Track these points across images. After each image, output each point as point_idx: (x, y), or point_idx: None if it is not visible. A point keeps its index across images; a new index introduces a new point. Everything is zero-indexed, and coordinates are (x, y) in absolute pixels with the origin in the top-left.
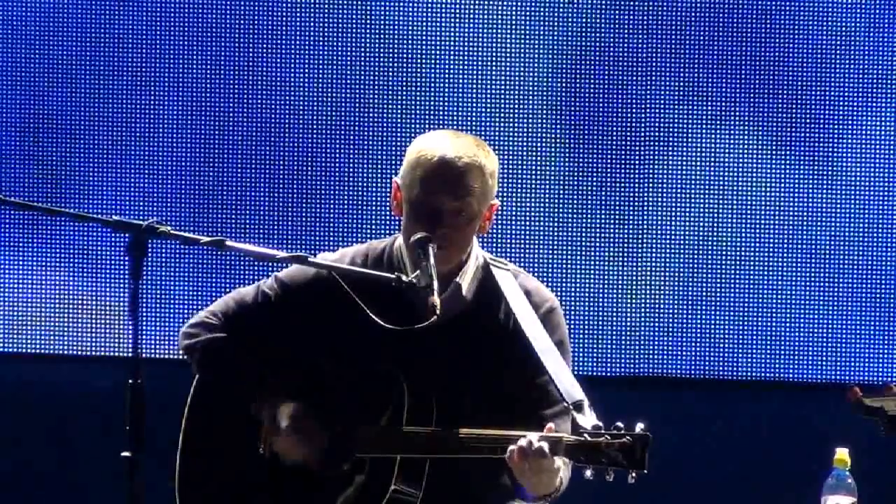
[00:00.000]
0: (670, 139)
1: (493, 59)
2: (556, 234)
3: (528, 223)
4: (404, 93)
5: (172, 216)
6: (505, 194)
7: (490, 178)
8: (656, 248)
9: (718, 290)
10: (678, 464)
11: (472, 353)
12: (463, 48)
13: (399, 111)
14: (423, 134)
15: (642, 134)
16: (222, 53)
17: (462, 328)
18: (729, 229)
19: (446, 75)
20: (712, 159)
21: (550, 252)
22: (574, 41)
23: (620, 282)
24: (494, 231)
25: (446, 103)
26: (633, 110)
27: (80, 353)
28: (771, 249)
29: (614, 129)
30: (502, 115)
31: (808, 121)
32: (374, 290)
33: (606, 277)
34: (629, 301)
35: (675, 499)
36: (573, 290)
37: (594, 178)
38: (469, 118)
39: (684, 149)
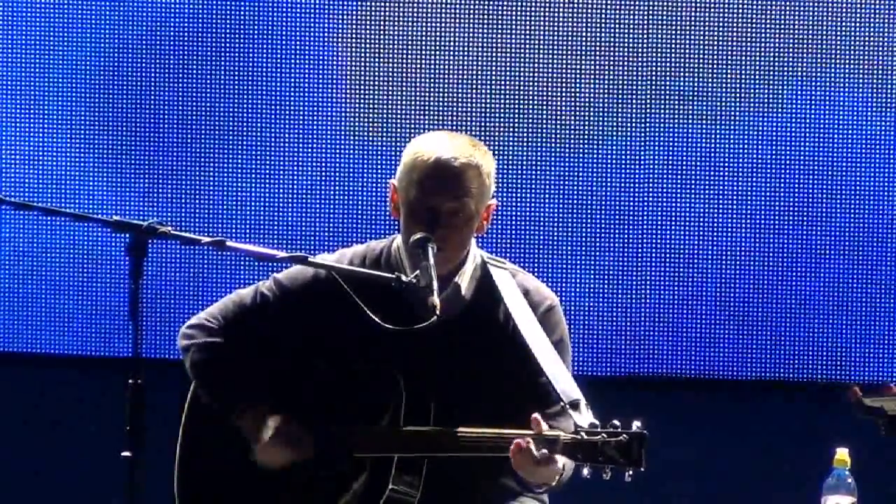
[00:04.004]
0: (670, 139)
1: (493, 58)
2: (555, 233)
3: (527, 223)
4: (404, 93)
5: (172, 216)
6: (504, 194)
7: (487, 178)
8: (656, 247)
9: (718, 290)
10: (678, 464)
11: (471, 352)
12: (462, 48)
13: (399, 111)
14: (419, 135)
15: (642, 133)
16: (222, 53)
17: (460, 328)
18: (729, 229)
19: (446, 75)
20: (712, 159)
21: (550, 252)
22: (574, 41)
23: (620, 282)
24: (494, 231)
25: (446, 103)
26: (633, 110)
27: (80, 353)
28: (771, 249)
29: (614, 128)
30: (502, 114)
31: (808, 120)
32: (374, 291)
33: (606, 277)
34: (629, 301)
35: (674, 499)
36: (573, 290)
37: (594, 178)
38: (468, 118)
39: (684, 149)
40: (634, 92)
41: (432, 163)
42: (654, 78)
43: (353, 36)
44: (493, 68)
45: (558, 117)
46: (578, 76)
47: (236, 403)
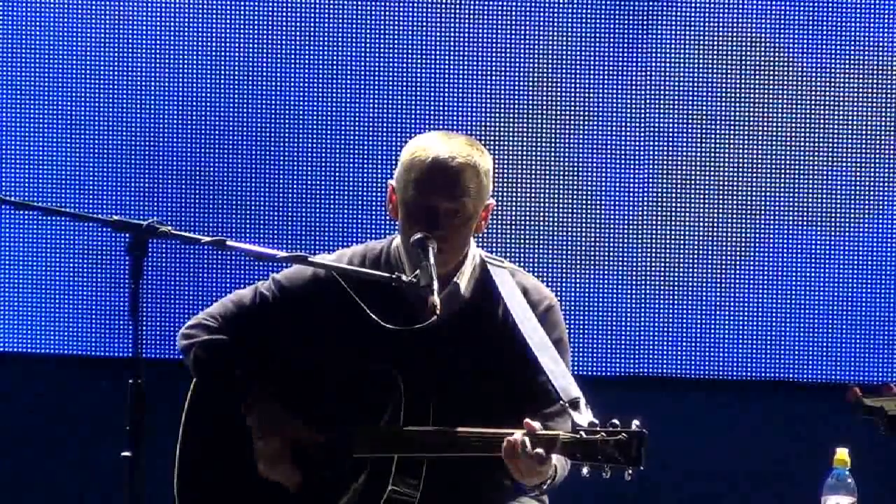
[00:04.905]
0: (670, 139)
1: (491, 58)
2: (555, 233)
3: (527, 222)
4: (403, 93)
5: (172, 216)
6: (504, 193)
7: (485, 178)
8: (656, 247)
9: (718, 290)
10: (678, 464)
11: (470, 352)
12: (461, 48)
13: (398, 111)
14: (417, 135)
15: (642, 133)
16: (222, 53)
17: (460, 327)
18: (729, 229)
19: (445, 75)
20: (712, 159)
21: (550, 252)
22: (574, 40)
23: (620, 282)
24: (493, 230)
25: (444, 103)
26: (633, 110)
27: (80, 353)
28: (771, 249)
29: (614, 127)
30: (501, 114)
31: (808, 120)
32: (373, 291)
33: (606, 277)
34: (629, 301)
35: (674, 499)
36: (572, 289)
37: (594, 178)
38: (468, 118)
39: (684, 149)
40: (635, 92)
41: (430, 163)
42: (654, 78)
43: (353, 36)
44: (493, 68)
45: (558, 117)
46: (578, 75)
47: (244, 398)
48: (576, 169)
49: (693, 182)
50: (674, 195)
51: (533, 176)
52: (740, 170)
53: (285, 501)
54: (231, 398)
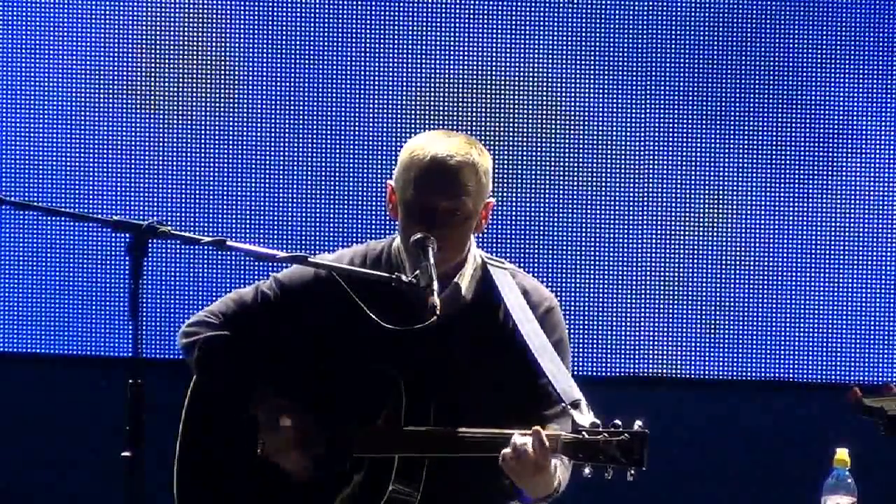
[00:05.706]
0: (670, 139)
1: (492, 58)
2: (555, 233)
3: (527, 222)
4: (403, 93)
5: (173, 216)
6: (505, 193)
7: (484, 176)
8: (656, 247)
9: (718, 290)
10: (678, 464)
11: (471, 353)
12: (461, 48)
13: (398, 111)
14: (416, 135)
15: (642, 133)
16: (222, 53)
17: (460, 328)
18: (729, 229)
19: (445, 75)
20: (712, 159)
21: (550, 252)
22: (573, 40)
23: (620, 282)
24: (494, 230)
25: (445, 103)
26: (633, 110)
27: (80, 353)
28: (771, 249)
29: (614, 127)
30: (501, 114)
31: (808, 121)
32: (374, 291)
33: (606, 277)
34: (629, 301)
35: (675, 498)
36: (573, 290)
37: (594, 178)
38: (467, 117)
39: (684, 149)
40: (634, 91)
41: (428, 161)
42: (654, 77)
43: (353, 36)
44: (493, 68)
45: (558, 116)
46: (578, 75)
47: (247, 394)
48: (576, 169)
49: (693, 181)
50: (674, 195)
51: (533, 176)
52: (741, 169)
53: (286, 496)
54: (233, 394)
